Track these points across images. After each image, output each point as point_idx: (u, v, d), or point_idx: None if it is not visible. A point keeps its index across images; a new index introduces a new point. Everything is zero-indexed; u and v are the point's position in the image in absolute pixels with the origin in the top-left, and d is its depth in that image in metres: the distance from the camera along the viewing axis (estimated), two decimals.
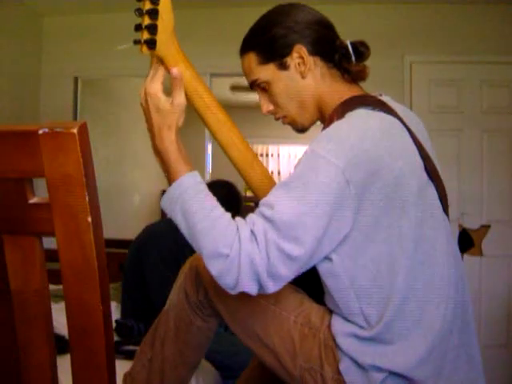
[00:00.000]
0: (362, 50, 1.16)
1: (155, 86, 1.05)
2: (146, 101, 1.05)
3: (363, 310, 1.01)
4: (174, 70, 1.06)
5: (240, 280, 0.93)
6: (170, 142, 1.04)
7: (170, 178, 1.03)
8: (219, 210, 0.99)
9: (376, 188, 0.97)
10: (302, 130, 1.23)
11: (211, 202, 0.99)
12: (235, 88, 4.79)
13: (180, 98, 1.05)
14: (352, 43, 1.16)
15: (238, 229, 0.95)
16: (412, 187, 1.00)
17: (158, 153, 1.06)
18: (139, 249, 2.25)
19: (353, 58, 1.15)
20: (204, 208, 0.97)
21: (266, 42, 1.15)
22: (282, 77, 1.16)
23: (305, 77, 1.15)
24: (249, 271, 0.92)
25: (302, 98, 1.17)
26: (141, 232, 2.35)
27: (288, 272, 0.94)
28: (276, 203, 0.95)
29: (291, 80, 1.16)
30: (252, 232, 0.94)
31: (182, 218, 0.98)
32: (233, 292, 0.96)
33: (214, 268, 0.94)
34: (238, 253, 0.92)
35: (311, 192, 0.94)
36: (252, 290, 0.95)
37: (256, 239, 0.93)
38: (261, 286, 0.95)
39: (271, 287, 0.95)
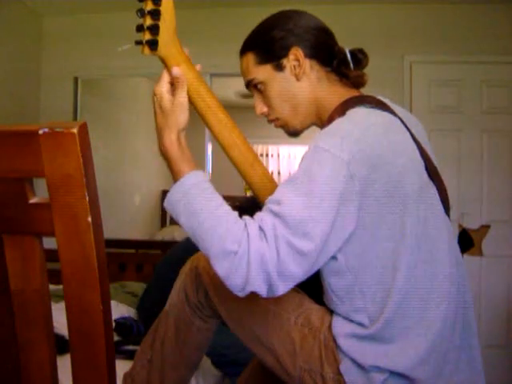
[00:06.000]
0: (360, 57, 1.17)
1: (161, 86, 1.05)
2: (154, 101, 1.06)
3: (367, 306, 1.01)
4: (175, 70, 1.06)
5: (250, 279, 0.89)
6: (170, 142, 1.03)
7: (173, 179, 1.03)
8: (225, 207, 0.96)
9: (379, 184, 0.96)
10: (294, 133, 1.23)
11: (216, 200, 0.97)
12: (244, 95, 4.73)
13: (180, 98, 1.05)
14: (351, 51, 1.17)
15: (245, 225, 0.92)
16: (414, 184, 1.00)
17: (162, 153, 1.06)
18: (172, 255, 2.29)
19: (351, 65, 1.16)
20: (209, 206, 0.95)
21: (265, 42, 1.16)
22: (277, 78, 1.16)
23: (299, 79, 1.15)
24: (259, 269, 0.89)
25: (296, 101, 1.17)
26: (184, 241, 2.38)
27: (298, 270, 0.91)
28: (283, 199, 0.93)
29: (286, 81, 1.16)
30: (261, 228, 0.91)
31: (185, 219, 0.96)
32: (241, 294, 0.92)
33: (222, 268, 0.90)
34: (247, 250, 0.89)
35: (317, 186, 0.93)
36: (261, 290, 0.91)
37: (265, 235, 0.90)
38: (270, 287, 0.91)
39: (281, 287, 0.92)
